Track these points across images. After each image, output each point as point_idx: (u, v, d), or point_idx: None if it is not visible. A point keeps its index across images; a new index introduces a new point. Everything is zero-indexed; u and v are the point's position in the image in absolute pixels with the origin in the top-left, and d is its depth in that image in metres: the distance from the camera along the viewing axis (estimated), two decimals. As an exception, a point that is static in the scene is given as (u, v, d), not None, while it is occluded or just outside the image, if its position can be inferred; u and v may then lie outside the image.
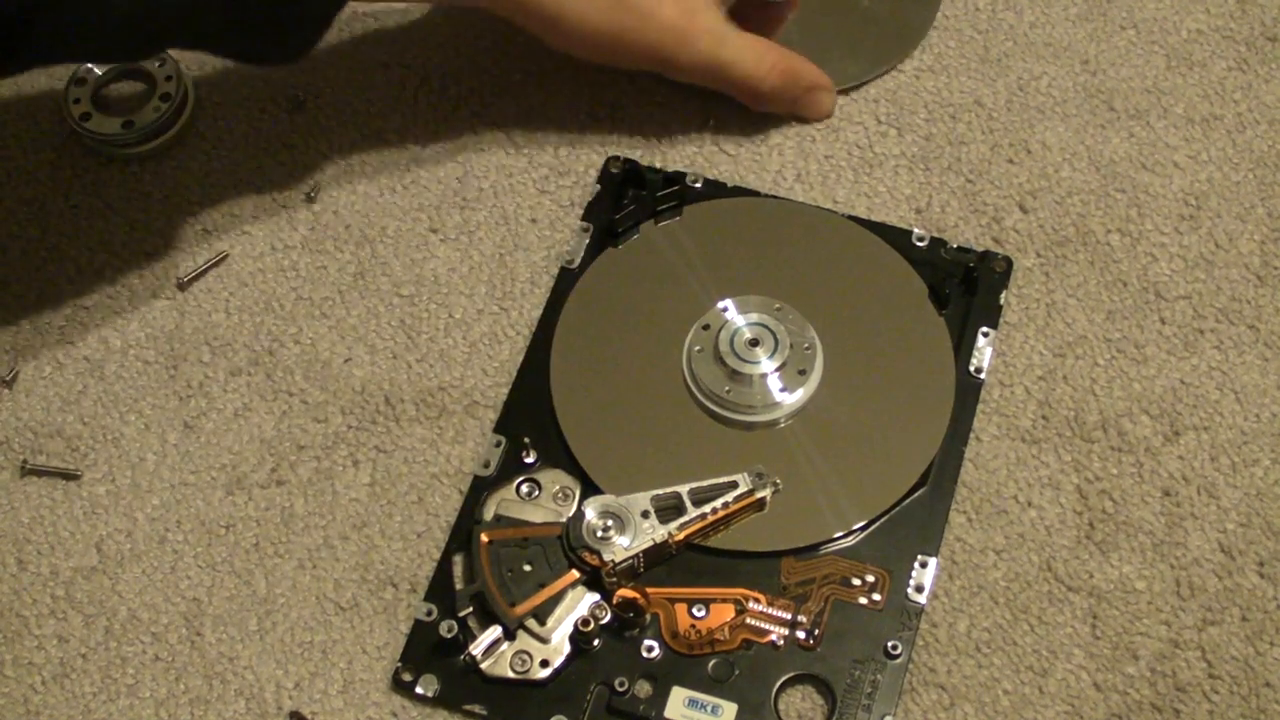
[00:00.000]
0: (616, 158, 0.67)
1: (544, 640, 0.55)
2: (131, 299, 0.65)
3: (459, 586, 0.57)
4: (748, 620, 0.56)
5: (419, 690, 0.56)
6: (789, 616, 0.56)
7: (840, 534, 0.57)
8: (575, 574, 0.56)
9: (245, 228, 0.67)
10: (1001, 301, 0.63)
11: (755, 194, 0.66)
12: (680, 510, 0.57)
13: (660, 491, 0.57)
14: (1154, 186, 0.66)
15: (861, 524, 0.58)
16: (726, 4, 0.66)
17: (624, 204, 0.65)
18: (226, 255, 0.66)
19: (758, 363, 0.60)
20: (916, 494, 0.58)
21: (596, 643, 0.56)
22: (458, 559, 0.58)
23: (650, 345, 0.62)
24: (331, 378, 0.63)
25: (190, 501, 0.61)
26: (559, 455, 0.59)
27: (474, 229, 0.66)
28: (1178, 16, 0.70)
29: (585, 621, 0.55)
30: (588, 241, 0.65)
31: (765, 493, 0.57)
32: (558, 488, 0.58)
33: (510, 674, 0.55)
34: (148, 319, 0.65)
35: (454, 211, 0.67)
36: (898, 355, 0.61)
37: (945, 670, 0.56)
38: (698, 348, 0.61)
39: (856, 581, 0.57)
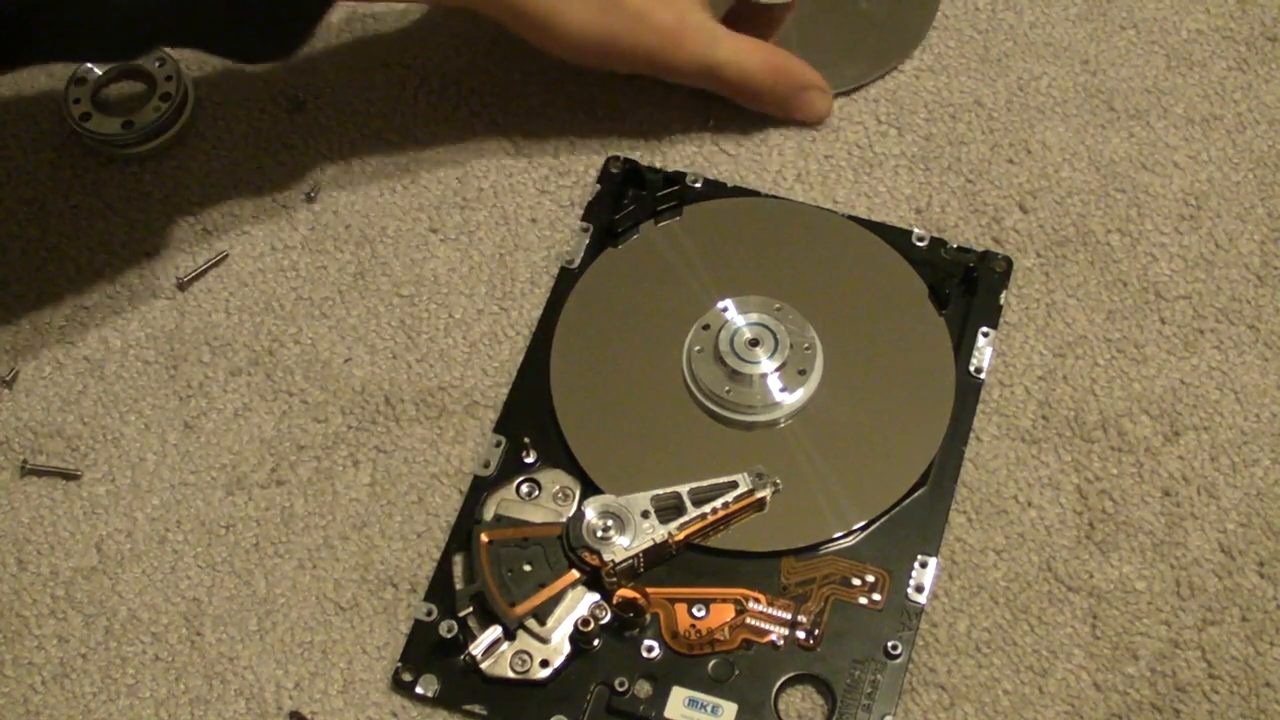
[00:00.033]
0: (616, 158, 0.67)
1: (544, 640, 0.55)
2: (131, 299, 0.65)
3: (459, 586, 0.57)
4: (748, 620, 0.56)
5: (419, 690, 0.56)
6: (789, 616, 0.56)
7: (840, 534, 0.57)
8: (575, 574, 0.56)
9: (245, 228, 0.67)
10: (1001, 301, 0.63)
11: (755, 194, 0.66)
12: (680, 510, 0.57)
13: (660, 491, 0.57)
14: (1154, 186, 0.66)
15: (861, 524, 0.58)
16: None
17: (624, 204, 0.65)
18: (226, 255, 0.66)
19: (758, 363, 0.60)
20: (916, 494, 0.58)
21: (596, 643, 0.56)
22: (458, 559, 0.58)
23: (650, 345, 0.62)
24: (331, 378, 0.63)
25: (190, 501, 0.61)
26: (559, 455, 0.59)
27: (474, 229, 0.66)
28: (1178, 16, 0.70)
29: (585, 621, 0.55)
30: (588, 241, 0.65)
31: (765, 493, 0.57)
32: (558, 488, 0.58)
33: (510, 674, 0.55)
34: (148, 319, 0.65)
35: (454, 211, 0.67)
36: (898, 355, 0.61)
37: (945, 670, 0.56)
38: (698, 348, 0.61)
39: (856, 581, 0.57)
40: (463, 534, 0.58)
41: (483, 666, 0.55)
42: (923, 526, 0.58)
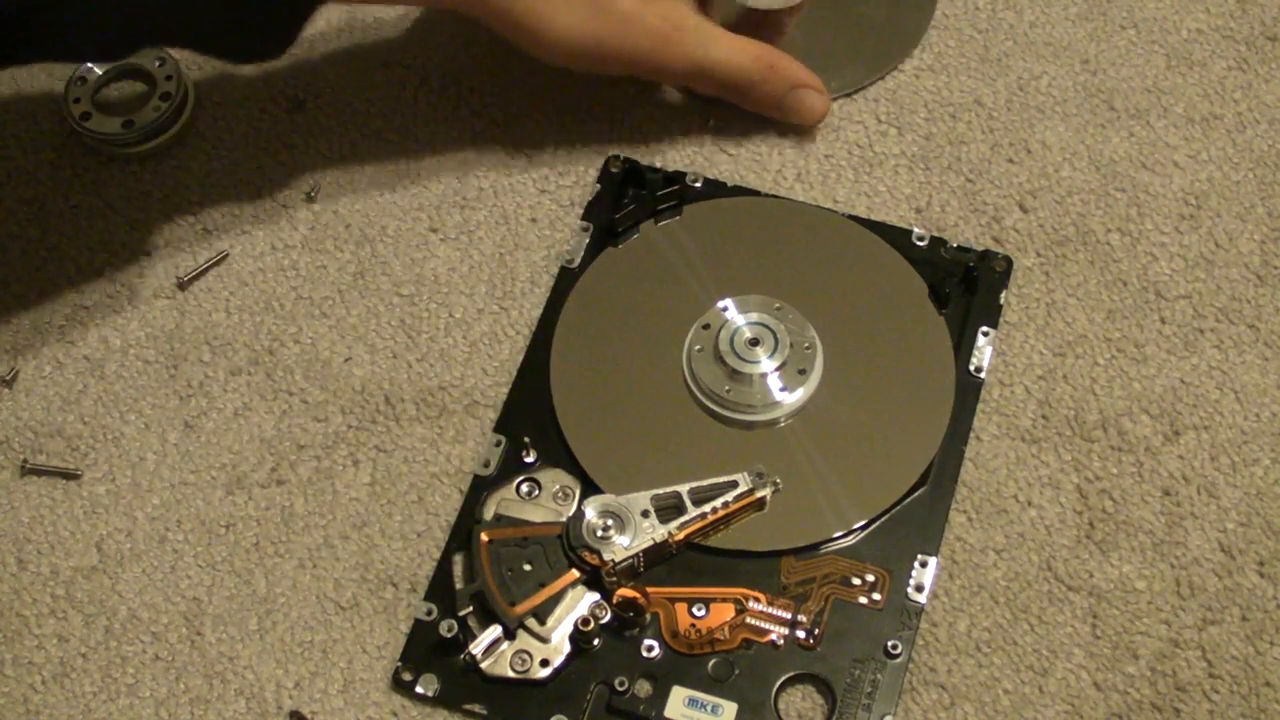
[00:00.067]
0: (616, 157, 0.67)
1: (544, 640, 0.55)
2: (131, 299, 0.65)
3: (459, 586, 0.57)
4: (748, 620, 0.56)
5: (419, 690, 0.56)
6: (789, 616, 0.56)
7: (840, 533, 0.57)
8: (575, 573, 0.56)
9: (245, 228, 0.67)
10: (1001, 301, 0.63)
11: (755, 194, 0.66)
12: (680, 510, 0.57)
13: (660, 491, 0.57)
14: (1154, 186, 0.66)
15: (861, 523, 0.58)
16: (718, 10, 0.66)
17: (624, 204, 0.65)
18: (226, 255, 0.66)
19: (758, 362, 0.60)
20: (916, 493, 0.58)
21: (596, 642, 0.56)
22: (458, 558, 0.58)
23: (650, 345, 0.62)
24: (331, 377, 0.63)
25: (190, 501, 0.61)
26: (559, 455, 0.59)
27: (474, 229, 0.66)
28: (1178, 16, 0.70)
29: (585, 621, 0.55)
30: (588, 241, 0.65)
31: (765, 492, 0.57)
32: (558, 487, 0.58)
33: (510, 673, 0.55)
34: (148, 319, 0.65)
35: (454, 211, 0.67)
36: (898, 355, 0.61)
37: (945, 670, 0.56)
38: (698, 347, 0.61)
39: (856, 581, 0.57)
40: (463, 533, 0.58)
41: (483, 666, 0.55)
42: (923, 526, 0.58)
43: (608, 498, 0.57)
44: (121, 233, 0.67)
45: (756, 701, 0.55)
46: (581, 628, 0.55)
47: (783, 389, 0.60)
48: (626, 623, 0.56)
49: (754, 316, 0.61)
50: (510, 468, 0.59)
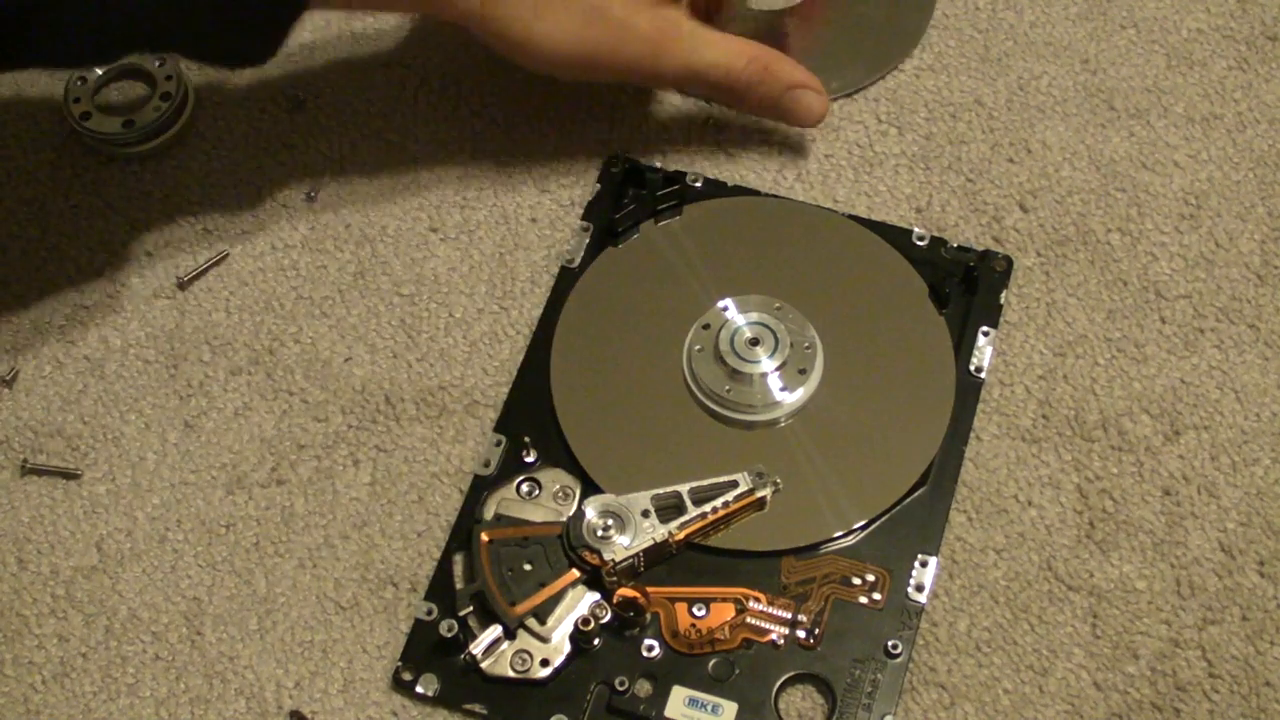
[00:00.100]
0: (616, 157, 0.67)
1: (544, 639, 0.55)
2: (131, 299, 0.65)
3: (459, 586, 0.57)
4: (748, 620, 0.56)
5: (419, 690, 0.56)
6: (789, 616, 0.56)
7: (840, 533, 0.57)
8: (575, 573, 0.56)
9: (245, 228, 0.67)
10: (1001, 301, 0.63)
11: (755, 194, 0.66)
12: (680, 509, 0.57)
13: (660, 491, 0.57)
14: (1154, 186, 0.66)
15: (861, 523, 0.58)
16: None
17: (624, 204, 0.65)
18: (226, 255, 0.66)
19: (758, 362, 0.60)
20: (916, 493, 0.58)
21: (596, 642, 0.56)
22: (458, 558, 0.58)
23: (650, 345, 0.62)
24: (331, 377, 0.63)
25: (190, 501, 0.61)
26: (559, 455, 0.59)
27: (474, 229, 0.66)
28: (1178, 16, 0.70)
29: (585, 621, 0.55)
30: (588, 241, 0.65)
31: (765, 492, 0.57)
32: (558, 487, 0.58)
33: (510, 673, 0.55)
34: (148, 319, 0.65)
35: (454, 211, 0.67)
36: (898, 355, 0.61)
37: (945, 670, 0.56)
38: (698, 347, 0.61)
39: (856, 581, 0.57)
40: (463, 533, 0.58)
41: (483, 666, 0.55)
42: (923, 526, 0.58)
43: (608, 498, 0.57)
44: (121, 233, 0.67)
45: (757, 701, 0.55)
46: (582, 628, 0.55)
47: (783, 389, 0.60)
48: (626, 623, 0.56)
49: (754, 316, 0.61)
50: (510, 468, 0.59)
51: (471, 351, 0.63)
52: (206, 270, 0.66)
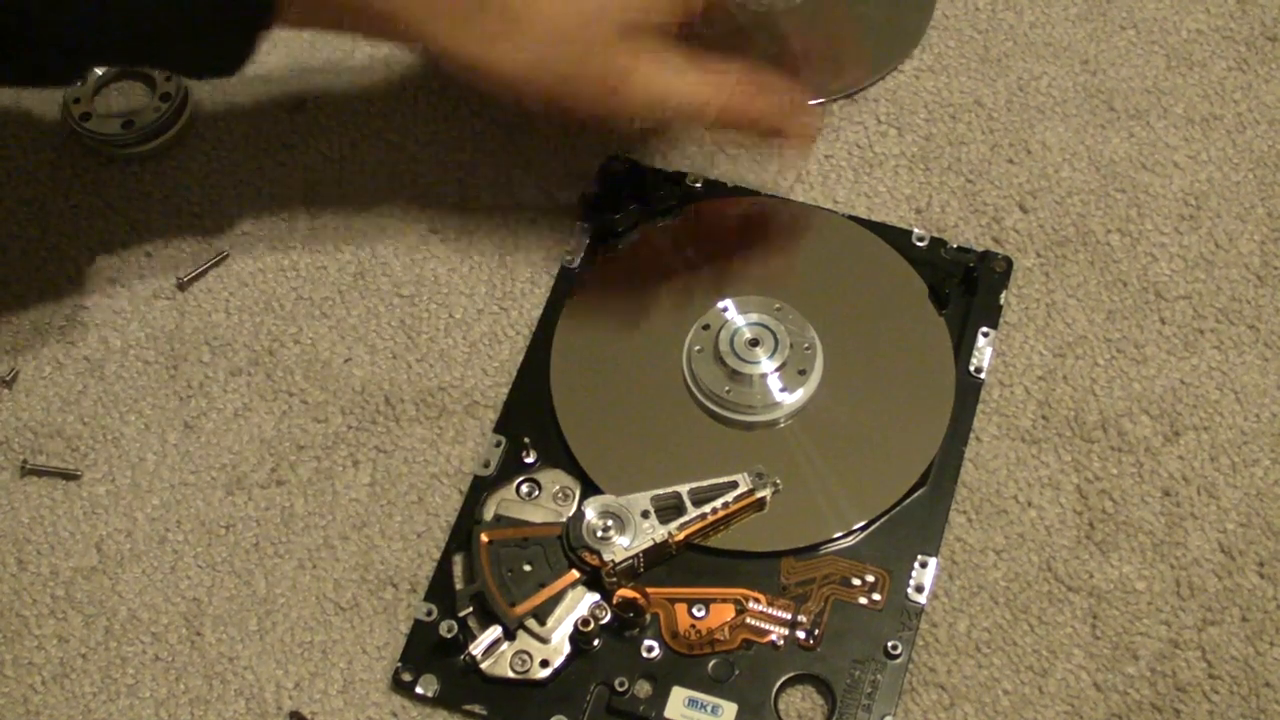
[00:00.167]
0: (616, 157, 0.67)
1: (544, 640, 0.55)
2: (131, 299, 0.65)
3: (459, 586, 0.57)
4: (748, 620, 0.56)
5: (419, 690, 0.56)
6: (789, 616, 0.56)
7: (840, 534, 0.57)
8: (575, 574, 0.56)
9: (245, 228, 0.67)
10: (1001, 301, 0.63)
11: (755, 194, 0.66)
12: (680, 510, 0.57)
13: (660, 491, 0.57)
14: (1154, 186, 0.66)
15: (861, 524, 0.58)
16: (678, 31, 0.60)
17: (623, 204, 0.65)
18: (226, 255, 0.66)
19: (758, 363, 0.60)
20: (916, 494, 0.58)
21: (596, 643, 0.56)
22: (458, 559, 0.58)
23: (650, 345, 0.62)
24: (331, 378, 0.63)
25: (190, 501, 0.61)
26: (559, 455, 0.59)
27: (474, 229, 0.66)
28: (1178, 16, 0.70)
29: (585, 621, 0.55)
30: (588, 241, 0.65)
31: (765, 493, 0.57)
32: (558, 488, 0.58)
33: (510, 674, 0.55)
34: (148, 319, 0.65)
35: (454, 211, 0.67)
36: (898, 355, 0.61)
37: (945, 670, 0.56)
38: (698, 348, 0.61)
39: (856, 581, 0.57)
40: (463, 534, 0.58)
41: (483, 666, 0.55)
42: (923, 526, 0.58)
43: (608, 498, 0.57)
44: (121, 233, 0.67)
45: (756, 702, 0.55)
46: (581, 628, 0.55)
47: (783, 389, 0.60)
48: (626, 623, 0.56)
49: (754, 317, 0.61)
50: (510, 468, 0.59)
51: (471, 352, 0.63)
52: (206, 270, 0.66)
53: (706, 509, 0.57)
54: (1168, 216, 0.65)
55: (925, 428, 0.59)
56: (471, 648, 0.55)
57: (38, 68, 0.57)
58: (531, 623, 0.55)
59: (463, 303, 0.64)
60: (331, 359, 0.63)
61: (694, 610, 0.56)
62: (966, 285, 0.62)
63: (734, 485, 0.57)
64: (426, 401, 0.62)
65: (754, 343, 0.60)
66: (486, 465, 0.59)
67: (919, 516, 0.58)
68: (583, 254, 0.64)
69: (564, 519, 0.57)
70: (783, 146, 0.65)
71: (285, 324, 0.64)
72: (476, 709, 0.55)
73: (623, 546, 0.56)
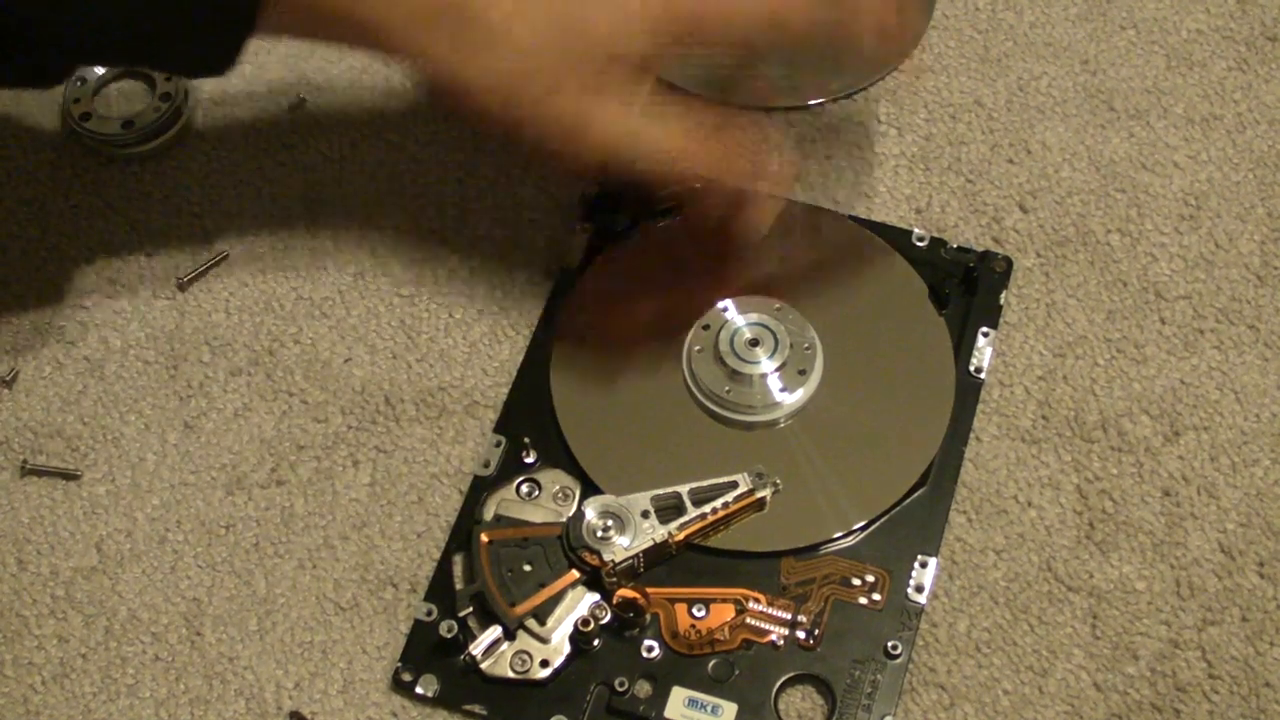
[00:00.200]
0: (616, 158, 0.67)
1: (544, 640, 0.55)
2: (131, 299, 0.65)
3: (459, 586, 0.57)
4: (748, 620, 0.56)
5: (419, 690, 0.55)
6: (789, 616, 0.56)
7: (840, 534, 0.57)
8: (575, 574, 0.56)
9: (245, 228, 0.67)
10: (1001, 301, 0.63)
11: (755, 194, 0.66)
12: (680, 510, 0.57)
13: (660, 491, 0.57)
14: (1154, 186, 0.66)
15: (861, 524, 0.58)
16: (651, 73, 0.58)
17: (624, 204, 0.65)
18: (226, 255, 0.66)
19: (758, 363, 0.60)
20: (916, 494, 0.58)
21: (596, 643, 0.56)
22: (458, 559, 0.58)
23: (650, 345, 0.62)
24: (331, 378, 0.63)
25: (190, 501, 0.61)
26: (559, 455, 0.59)
27: (474, 229, 0.66)
28: (1178, 16, 0.70)
29: (585, 621, 0.55)
30: (588, 241, 0.65)
31: (765, 493, 0.57)
32: (558, 488, 0.58)
33: (510, 674, 0.55)
34: (148, 319, 0.65)
35: (454, 211, 0.67)
36: (898, 355, 0.61)
37: (945, 670, 0.56)
38: (698, 348, 0.61)
39: (856, 581, 0.57)
40: (463, 534, 0.58)
41: (483, 666, 0.55)
42: (923, 526, 0.58)
43: (608, 498, 0.57)
44: (121, 233, 0.67)
45: (756, 702, 0.55)
46: (581, 628, 0.55)
47: (783, 389, 0.60)
48: (626, 623, 0.56)
49: (754, 317, 0.61)
50: (510, 468, 0.59)
51: (471, 352, 0.63)
52: (206, 270, 0.66)
53: (706, 509, 0.57)
54: (1168, 216, 0.65)
55: (925, 428, 0.59)
56: (471, 648, 0.55)
57: (37, 68, 0.57)
58: (531, 623, 0.55)
59: (463, 303, 0.64)
60: (331, 359, 0.63)
61: (694, 610, 0.56)
62: (966, 285, 0.62)
63: (734, 485, 0.57)
64: (426, 401, 0.62)
65: (754, 343, 0.60)
66: (486, 465, 0.59)
67: (919, 516, 0.58)
68: (583, 254, 0.64)
69: (564, 519, 0.57)
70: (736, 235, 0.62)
71: (285, 324, 0.64)
72: (476, 709, 0.55)
73: (623, 546, 0.56)
